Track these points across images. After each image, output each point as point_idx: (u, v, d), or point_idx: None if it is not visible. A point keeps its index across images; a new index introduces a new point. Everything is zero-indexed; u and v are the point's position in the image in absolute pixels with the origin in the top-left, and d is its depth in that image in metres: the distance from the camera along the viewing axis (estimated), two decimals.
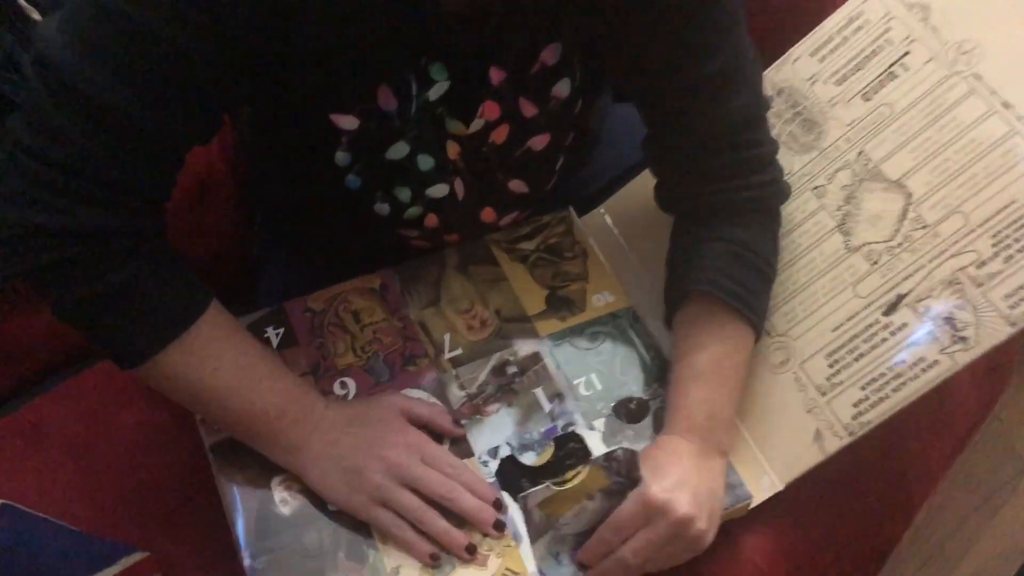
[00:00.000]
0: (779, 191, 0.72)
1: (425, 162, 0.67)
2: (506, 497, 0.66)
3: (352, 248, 0.78)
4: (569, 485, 0.61)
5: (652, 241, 0.80)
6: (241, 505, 0.64)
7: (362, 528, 0.64)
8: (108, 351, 0.61)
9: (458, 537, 0.62)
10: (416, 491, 0.62)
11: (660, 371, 0.73)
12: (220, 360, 0.61)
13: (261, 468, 0.66)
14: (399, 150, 0.65)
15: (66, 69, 0.52)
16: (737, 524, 0.73)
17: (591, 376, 0.72)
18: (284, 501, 0.65)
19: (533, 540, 0.61)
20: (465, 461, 0.66)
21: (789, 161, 0.78)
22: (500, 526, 0.63)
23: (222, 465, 0.66)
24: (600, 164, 0.87)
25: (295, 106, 0.62)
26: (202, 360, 0.61)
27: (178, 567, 0.68)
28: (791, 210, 0.77)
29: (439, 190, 0.69)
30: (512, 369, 0.72)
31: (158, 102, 0.54)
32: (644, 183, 0.82)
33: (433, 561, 0.62)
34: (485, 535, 0.63)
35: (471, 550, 0.62)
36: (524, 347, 0.74)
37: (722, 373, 0.67)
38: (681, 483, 0.61)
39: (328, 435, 0.64)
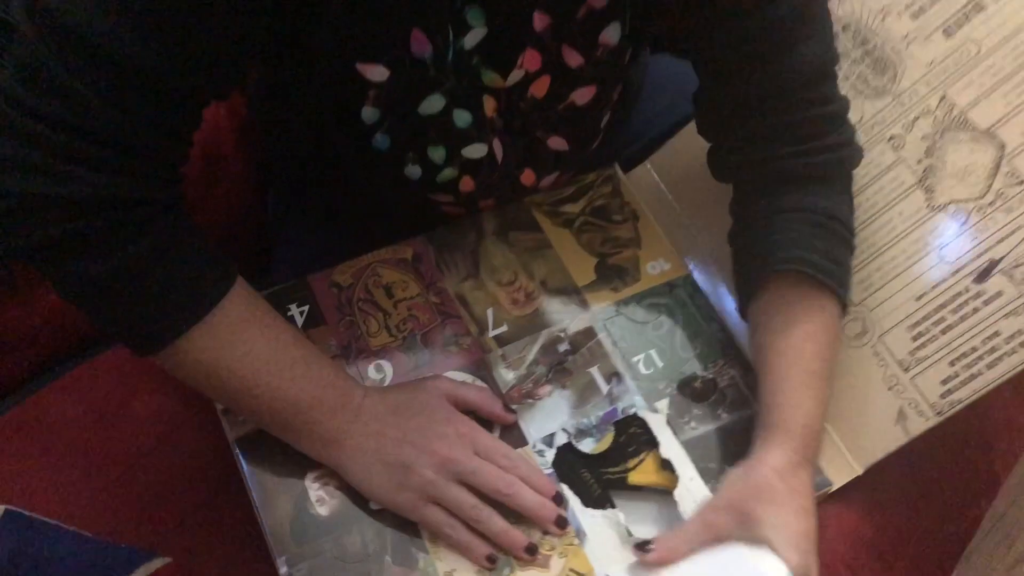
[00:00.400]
0: (854, 153, 0.65)
1: (462, 118, 0.60)
2: (566, 489, 0.59)
3: (377, 218, 0.71)
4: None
5: (705, 197, 0.72)
6: (274, 506, 0.58)
7: (409, 529, 0.57)
8: (122, 336, 0.54)
9: (518, 537, 0.56)
10: (470, 487, 0.56)
11: (724, 345, 0.67)
12: (249, 345, 0.55)
13: (294, 464, 0.59)
14: (433, 104, 0.58)
15: (70, 15, 0.44)
16: (821, 512, 0.66)
17: (651, 352, 0.66)
18: (321, 500, 0.58)
19: None
20: (519, 451, 0.60)
21: (859, 107, 0.70)
22: (562, 523, 0.57)
23: (250, 461, 0.60)
24: (641, 120, 0.80)
25: (319, 56, 0.55)
26: (229, 345, 0.54)
27: (203, 573, 0.62)
28: (864, 164, 0.69)
29: (476, 150, 0.62)
30: (564, 347, 0.66)
31: (175, 50, 0.47)
32: (692, 135, 0.74)
33: (491, 564, 0.56)
34: (545, 533, 0.57)
35: (532, 551, 0.56)
36: (575, 322, 0.67)
37: (821, 372, 0.60)
38: (810, 546, 0.55)
39: (369, 426, 0.57)
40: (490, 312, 0.67)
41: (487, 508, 0.56)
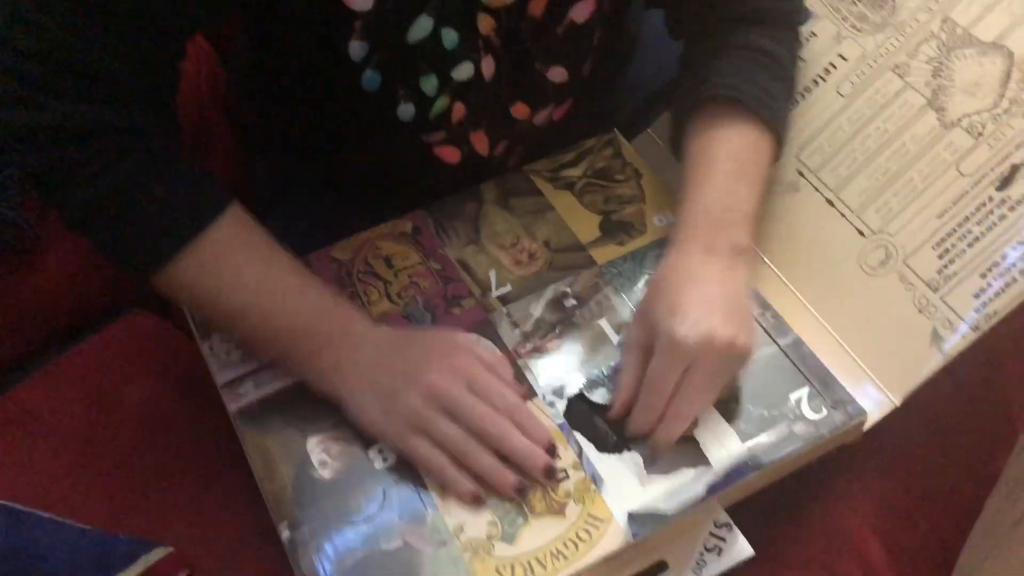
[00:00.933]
0: (800, 7, 0.68)
1: (449, 37, 0.59)
2: (580, 438, 0.56)
3: (372, 184, 0.70)
4: None
5: None
6: (275, 473, 0.56)
7: (417, 485, 0.55)
8: (117, 262, 0.55)
9: (506, 475, 0.53)
10: (460, 424, 0.54)
11: None
12: (237, 271, 0.55)
13: (294, 429, 0.57)
14: (422, 27, 0.57)
15: None
16: (844, 473, 0.64)
17: None
18: (323, 463, 0.56)
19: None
20: (529, 404, 0.57)
21: (861, 43, 0.69)
22: (551, 473, 0.54)
23: (249, 431, 0.58)
24: (638, 76, 0.79)
25: None
26: (216, 271, 0.54)
27: (207, 561, 0.59)
28: (871, 95, 0.67)
29: (464, 70, 0.61)
30: (571, 302, 0.63)
31: None
32: None
33: (475, 501, 0.53)
34: (566, 478, 0.54)
35: (522, 491, 0.53)
36: (581, 277, 0.65)
37: (743, 168, 0.60)
38: (707, 309, 0.53)
39: (368, 356, 0.56)
40: (492, 273, 0.65)
41: (474, 443, 0.53)
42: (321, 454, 0.56)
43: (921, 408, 0.63)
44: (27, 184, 0.54)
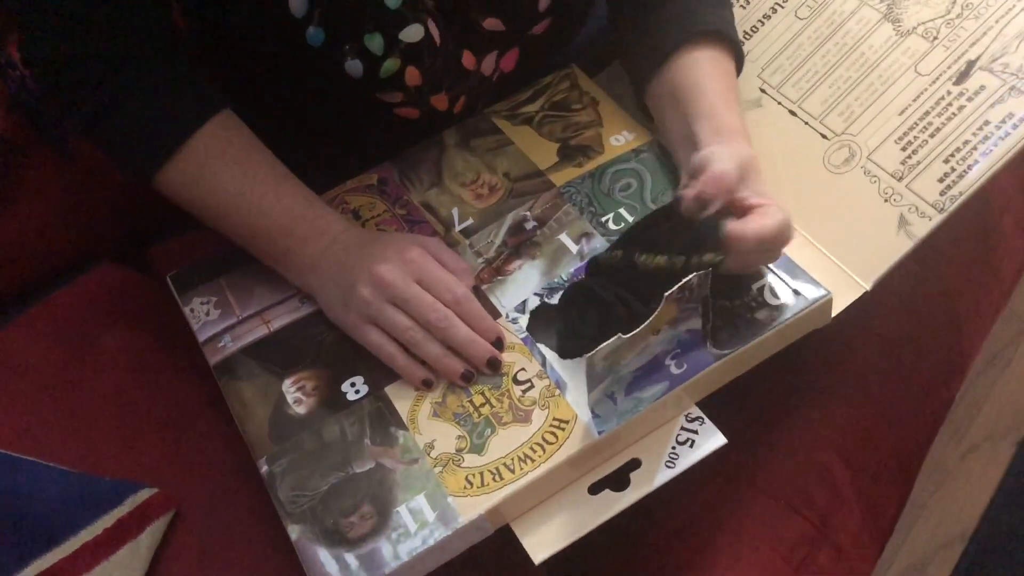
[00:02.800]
0: None
1: None
2: (544, 349, 0.56)
3: (333, 134, 0.71)
4: (637, 331, 0.51)
5: None
6: (253, 414, 0.57)
7: (387, 412, 0.55)
8: (122, 172, 0.64)
9: (453, 363, 0.55)
10: (407, 314, 0.55)
11: None
12: (217, 178, 0.59)
13: (270, 374, 0.58)
14: None
15: None
16: (808, 398, 0.66)
17: (619, 211, 0.63)
18: (298, 401, 0.57)
19: (591, 389, 0.51)
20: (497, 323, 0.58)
21: None
22: (495, 364, 0.55)
23: (229, 380, 0.59)
24: (597, 27, 0.78)
25: None
26: (198, 177, 0.59)
27: (192, 500, 0.60)
28: (828, 15, 0.69)
29: (413, 32, 0.62)
30: (531, 224, 0.64)
31: None
32: None
33: (426, 387, 0.55)
34: (531, 387, 0.54)
35: (467, 377, 0.54)
36: (540, 199, 0.65)
37: (732, 91, 0.64)
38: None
39: (337, 255, 0.58)
40: (455, 211, 0.66)
41: (422, 332, 0.55)
42: (296, 392, 0.57)
43: (880, 336, 0.67)
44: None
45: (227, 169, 0.59)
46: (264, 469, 0.54)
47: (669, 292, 0.49)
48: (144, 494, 0.58)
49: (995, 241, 0.80)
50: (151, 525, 0.57)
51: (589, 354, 0.48)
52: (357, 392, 0.57)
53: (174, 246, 0.76)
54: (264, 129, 0.75)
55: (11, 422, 0.62)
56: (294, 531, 0.51)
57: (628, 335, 0.49)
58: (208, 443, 0.62)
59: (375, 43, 0.61)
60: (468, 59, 0.67)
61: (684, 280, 0.50)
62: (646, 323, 0.49)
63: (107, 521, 0.56)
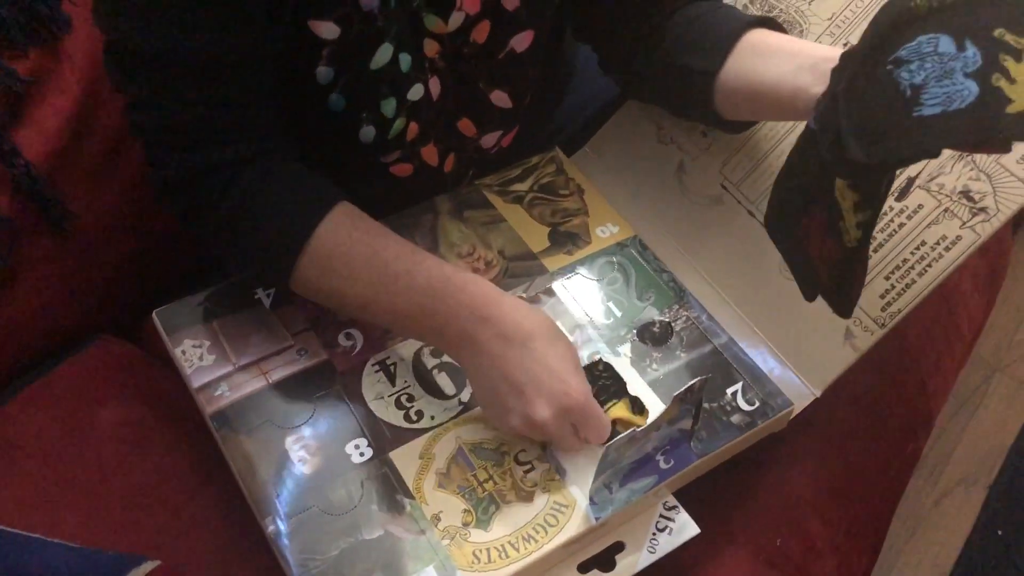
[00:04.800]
0: None
1: (405, 61, 0.64)
2: None
3: None
4: (649, 422, 0.56)
5: (643, 173, 0.77)
6: (255, 472, 0.58)
7: (393, 479, 0.58)
8: (254, 277, 0.66)
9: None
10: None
11: (677, 294, 0.70)
12: (349, 268, 0.59)
13: (273, 428, 0.60)
14: (384, 54, 0.62)
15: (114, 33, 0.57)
16: (783, 458, 0.71)
17: (608, 304, 0.69)
18: (303, 460, 0.59)
19: (598, 476, 0.56)
20: None
21: None
22: None
23: (227, 432, 0.60)
24: (575, 103, 0.85)
25: (274, 17, 0.58)
26: (330, 270, 0.59)
27: (195, 571, 0.60)
28: (779, 125, 0.75)
29: (416, 91, 0.66)
30: None
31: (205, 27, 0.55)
32: (626, 116, 0.80)
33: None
34: (528, 472, 0.59)
35: None
36: (535, 284, 0.70)
37: None
38: None
39: (493, 347, 0.58)
40: None
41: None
42: (300, 450, 0.59)
43: (849, 396, 0.71)
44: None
45: (358, 255, 0.59)
46: (271, 528, 0.56)
47: (678, 393, 0.55)
48: (146, 567, 0.57)
49: (955, 303, 0.85)
50: None
51: (610, 444, 0.54)
52: (362, 455, 0.60)
53: None
54: None
55: (13, 499, 0.62)
56: None
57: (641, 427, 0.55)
58: (209, 514, 0.63)
59: (389, 107, 0.65)
60: (467, 126, 0.71)
61: (690, 383, 0.56)
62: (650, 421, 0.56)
63: None
